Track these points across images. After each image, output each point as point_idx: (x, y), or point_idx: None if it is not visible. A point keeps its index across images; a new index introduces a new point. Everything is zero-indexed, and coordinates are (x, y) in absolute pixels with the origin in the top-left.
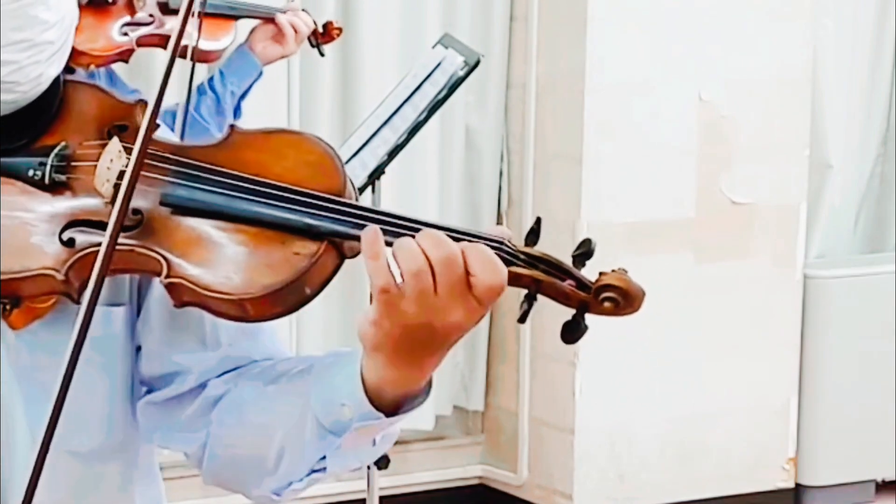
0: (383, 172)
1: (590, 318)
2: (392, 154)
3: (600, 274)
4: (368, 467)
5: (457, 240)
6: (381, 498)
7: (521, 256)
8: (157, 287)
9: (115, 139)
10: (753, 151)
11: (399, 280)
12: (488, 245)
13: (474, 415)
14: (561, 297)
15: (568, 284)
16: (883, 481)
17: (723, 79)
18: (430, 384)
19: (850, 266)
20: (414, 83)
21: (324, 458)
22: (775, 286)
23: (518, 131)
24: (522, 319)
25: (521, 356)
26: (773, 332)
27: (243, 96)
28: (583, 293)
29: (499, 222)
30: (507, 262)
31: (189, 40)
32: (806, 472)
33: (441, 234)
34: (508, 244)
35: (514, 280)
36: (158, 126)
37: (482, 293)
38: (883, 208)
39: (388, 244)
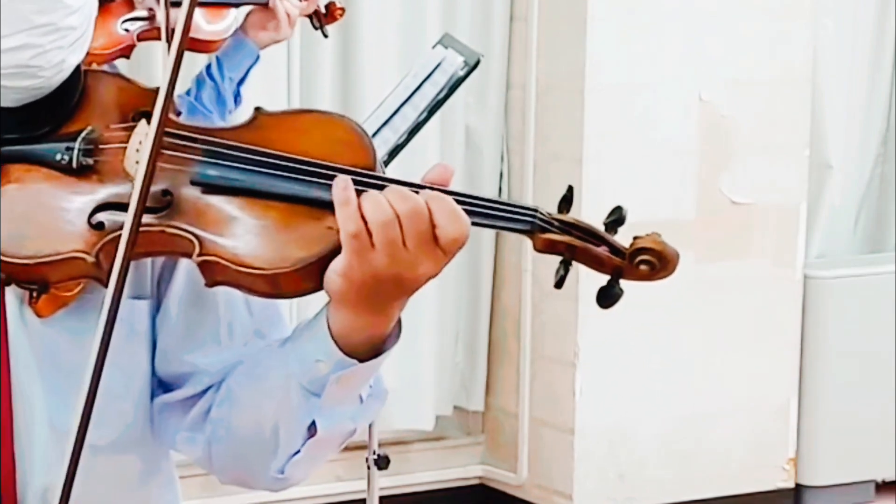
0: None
1: (590, 315)
2: (392, 154)
3: (634, 238)
4: (368, 467)
5: (480, 208)
6: (381, 498)
7: (555, 223)
8: (176, 283)
9: (144, 121)
10: (753, 151)
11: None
12: (520, 213)
13: (474, 415)
14: (595, 263)
15: (602, 250)
16: (883, 481)
17: (723, 79)
18: (399, 326)
19: (850, 266)
20: (414, 83)
21: (314, 422)
22: (775, 286)
23: (518, 131)
24: (559, 285)
25: (521, 357)
26: (773, 332)
27: (241, 82)
28: (617, 258)
29: None
30: (542, 230)
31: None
32: (806, 472)
33: (406, 189)
34: (542, 212)
35: (550, 247)
36: (180, 114)
37: (446, 244)
38: (883, 208)
39: None
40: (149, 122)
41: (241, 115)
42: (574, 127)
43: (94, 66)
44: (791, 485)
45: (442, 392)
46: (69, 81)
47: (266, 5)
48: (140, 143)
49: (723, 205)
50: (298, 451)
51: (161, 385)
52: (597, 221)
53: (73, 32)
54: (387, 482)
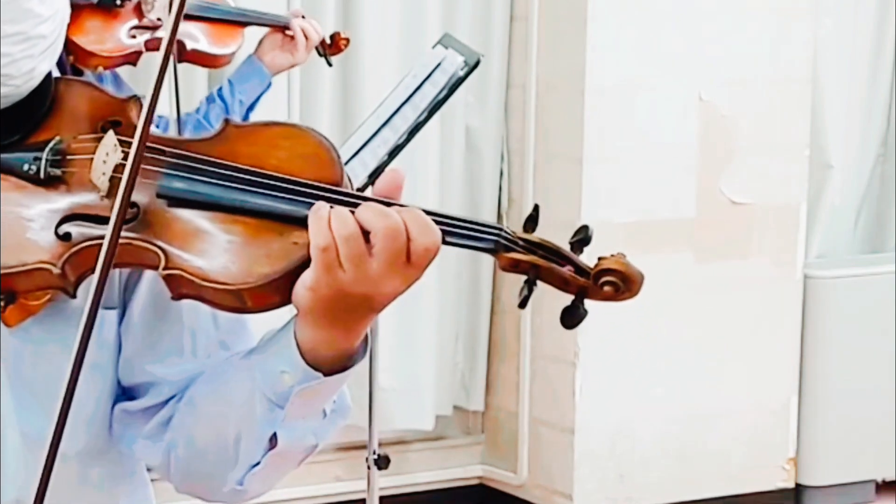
0: (383, 172)
1: (590, 314)
2: (392, 154)
3: (599, 259)
4: (368, 467)
5: (443, 225)
6: (381, 498)
7: (520, 242)
8: (140, 293)
9: (111, 132)
10: (753, 151)
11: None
12: (485, 231)
13: (474, 415)
14: (560, 283)
15: (567, 270)
16: (883, 481)
17: (723, 79)
18: (366, 343)
19: (850, 266)
20: (414, 83)
21: (276, 434)
22: (775, 286)
23: (518, 131)
24: (523, 305)
25: (521, 356)
26: (773, 332)
27: (252, 107)
28: (582, 278)
29: (499, 222)
30: (507, 249)
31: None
32: (806, 472)
33: (382, 206)
34: (507, 230)
35: (513, 266)
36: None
37: (418, 256)
38: (883, 208)
39: None
40: (116, 133)
41: None
42: (574, 127)
43: (100, 70)
44: (791, 485)
45: (442, 392)
46: (39, 89)
47: (286, 27)
48: (107, 154)
49: (723, 204)
50: (258, 463)
51: (122, 392)
52: (594, 224)
53: (43, 41)
54: (387, 482)
